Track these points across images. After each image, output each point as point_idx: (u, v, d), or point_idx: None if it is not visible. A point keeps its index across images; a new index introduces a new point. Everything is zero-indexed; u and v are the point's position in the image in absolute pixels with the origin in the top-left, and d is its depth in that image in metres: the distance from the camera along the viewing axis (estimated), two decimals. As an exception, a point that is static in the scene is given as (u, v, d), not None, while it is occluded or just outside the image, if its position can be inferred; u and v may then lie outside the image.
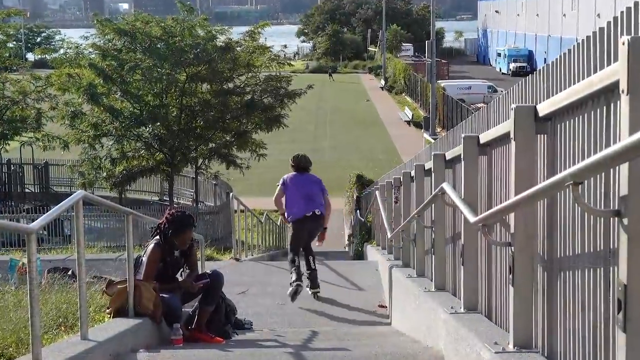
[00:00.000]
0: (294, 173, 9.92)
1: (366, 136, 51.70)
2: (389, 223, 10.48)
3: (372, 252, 13.81)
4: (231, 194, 13.76)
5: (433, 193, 5.84)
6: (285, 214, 9.68)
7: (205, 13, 27.73)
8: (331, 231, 30.14)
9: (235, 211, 14.09)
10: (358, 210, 23.12)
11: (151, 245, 6.50)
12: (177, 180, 30.54)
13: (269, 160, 27.70)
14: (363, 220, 19.61)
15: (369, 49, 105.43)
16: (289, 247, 9.88)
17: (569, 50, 3.36)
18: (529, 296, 3.68)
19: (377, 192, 13.26)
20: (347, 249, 25.24)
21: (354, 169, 35.46)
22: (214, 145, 26.43)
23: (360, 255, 17.42)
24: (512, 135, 3.69)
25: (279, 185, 9.84)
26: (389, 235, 9.97)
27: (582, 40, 3.17)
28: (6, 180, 30.71)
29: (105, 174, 26.09)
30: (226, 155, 26.12)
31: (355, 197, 26.96)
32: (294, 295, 9.37)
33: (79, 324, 4.93)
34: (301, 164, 9.92)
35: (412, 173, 8.07)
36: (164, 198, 30.64)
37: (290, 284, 9.48)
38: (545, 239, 3.59)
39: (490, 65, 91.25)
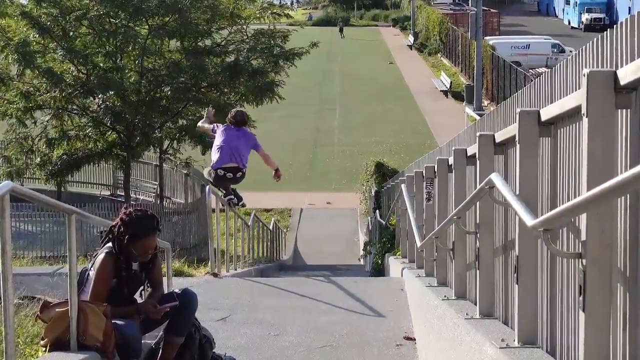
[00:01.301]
0: (228, 124, 13.46)
1: (389, 111, 52.25)
2: (418, 227, 10.64)
3: (396, 265, 13.96)
4: (207, 188, 13.89)
5: (478, 187, 5.93)
6: (212, 161, 13.48)
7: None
8: (341, 237, 32.72)
9: (214, 210, 14.31)
10: (377, 211, 23.18)
11: (101, 256, 6.57)
12: (136, 169, 30.71)
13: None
14: (384, 223, 19.69)
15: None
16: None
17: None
18: (605, 324, 3.68)
19: (403, 186, 13.44)
20: (362, 262, 25.35)
21: (372, 154, 35.90)
22: (185, 122, 26.54)
23: (380, 270, 17.60)
24: (583, 111, 3.70)
25: (211, 127, 13.73)
26: (418, 243, 10.08)
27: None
28: None
29: (39, 159, 26.07)
30: (202, 135, 25.91)
31: (373, 193, 27.20)
32: (229, 203, 14.22)
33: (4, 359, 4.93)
34: (237, 118, 13.48)
35: (450, 160, 8.19)
36: (118, 193, 30.83)
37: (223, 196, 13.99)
38: (628, 248, 3.58)
39: (556, 17, 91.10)
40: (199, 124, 14.41)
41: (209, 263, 14.08)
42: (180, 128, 26.57)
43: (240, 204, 14.58)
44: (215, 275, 13.34)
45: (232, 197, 14.17)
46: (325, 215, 35.01)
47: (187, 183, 31.00)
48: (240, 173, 13.52)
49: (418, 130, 46.82)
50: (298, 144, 44.77)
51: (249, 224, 17.84)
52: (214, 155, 13.45)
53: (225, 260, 15.19)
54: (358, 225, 33.29)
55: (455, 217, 7.05)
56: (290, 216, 35.45)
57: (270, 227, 23.24)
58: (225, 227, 16.77)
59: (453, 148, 8.02)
